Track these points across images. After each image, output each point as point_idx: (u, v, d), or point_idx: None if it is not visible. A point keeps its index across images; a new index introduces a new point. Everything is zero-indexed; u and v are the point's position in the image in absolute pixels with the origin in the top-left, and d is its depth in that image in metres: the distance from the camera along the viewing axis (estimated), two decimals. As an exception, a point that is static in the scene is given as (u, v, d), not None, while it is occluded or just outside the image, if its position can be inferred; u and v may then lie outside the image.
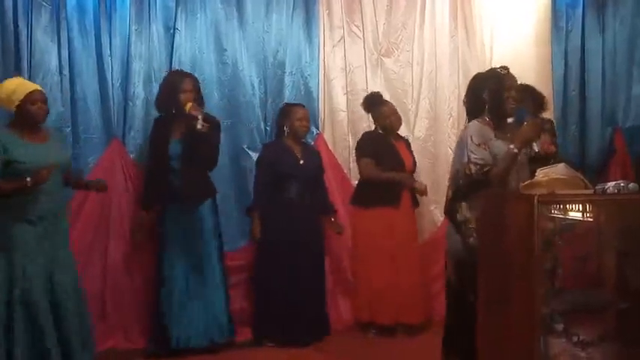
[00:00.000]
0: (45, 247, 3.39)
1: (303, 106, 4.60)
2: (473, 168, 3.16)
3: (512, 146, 3.09)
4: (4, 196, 3.29)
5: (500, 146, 3.16)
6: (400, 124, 4.77)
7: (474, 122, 3.27)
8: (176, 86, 4.07)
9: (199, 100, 4.14)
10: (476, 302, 2.92)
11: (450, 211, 3.33)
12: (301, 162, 4.45)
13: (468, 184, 3.20)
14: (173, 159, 4.07)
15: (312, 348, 4.32)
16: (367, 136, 4.73)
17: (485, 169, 3.15)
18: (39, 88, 3.52)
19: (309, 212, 4.45)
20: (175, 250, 4.08)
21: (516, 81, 3.31)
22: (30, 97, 3.39)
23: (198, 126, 3.88)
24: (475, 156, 3.16)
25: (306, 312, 4.36)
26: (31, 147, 3.38)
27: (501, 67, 3.37)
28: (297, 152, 4.47)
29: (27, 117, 3.40)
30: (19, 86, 3.41)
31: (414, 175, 4.79)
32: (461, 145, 3.28)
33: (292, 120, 4.47)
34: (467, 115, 3.46)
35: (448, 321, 3.42)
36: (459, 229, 3.25)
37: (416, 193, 4.74)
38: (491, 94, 3.26)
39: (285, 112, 4.52)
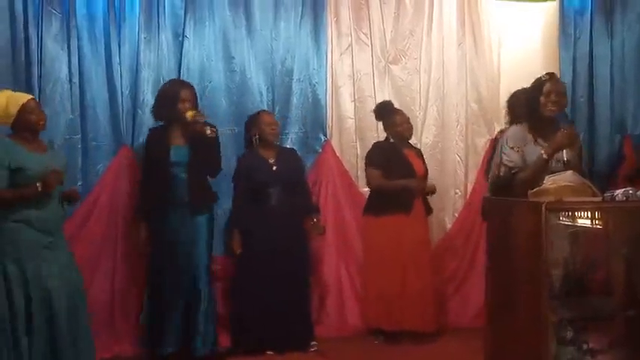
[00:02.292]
0: (49, 252, 3.36)
1: (270, 112, 4.59)
2: (503, 169, 3.18)
3: (542, 152, 3.09)
4: (8, 204, 3.26)
5: (535, 151, 3.15)
6: (411, 133, 4.75)
7: (514, 126, 3.33)
8: (175, 95, 4.09)
9: (196, 109, 4.14)
10: None
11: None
12: (274, 168, 4.38)
13: (498, 185, 3.20)
14: (175, 166, 4.07)
15: (316, 353, 4.32)
16: (376, 146, 4.71)
17: (513, 172, 3.15)
18: (31, 96, 3.49)
19: (291, 218, 4.36)
20: (174, 258, 4.04)
21: (559, 85, 3.30)
22: (26, 108, 3.35)
23: (208, 132, 3.96)
24: (507, 158, 3.18)
25: (288, 319, 4.29)
26: (35, 156, 3.36)
27: (546, 73, 3.38)
28: (270, 159, 4.40)
29: (28, 127, 3.36)
30: (10, 99, 3.35)
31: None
32: (497, 149, 3.32)
33: (260, 125, 4.41)
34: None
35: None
36: None
37: (426, 194, 4.72)
38: (527, 99, 3.32)
39: (253, 119, 4.47)
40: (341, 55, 5.02)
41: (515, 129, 3.30)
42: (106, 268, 4.30)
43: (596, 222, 2.67)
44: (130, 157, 4.41)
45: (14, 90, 3.57)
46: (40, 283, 3.29)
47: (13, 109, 3.32)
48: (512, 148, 3.19)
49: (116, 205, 4.34)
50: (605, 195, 2.73)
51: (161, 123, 4.23)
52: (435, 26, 5.17)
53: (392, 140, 4.69)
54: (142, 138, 4.43)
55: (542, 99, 3.22)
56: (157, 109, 4.19)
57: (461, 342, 4.34)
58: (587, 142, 5.33)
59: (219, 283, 4.43)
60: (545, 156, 3.07)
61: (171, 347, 4.02)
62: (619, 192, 2.68)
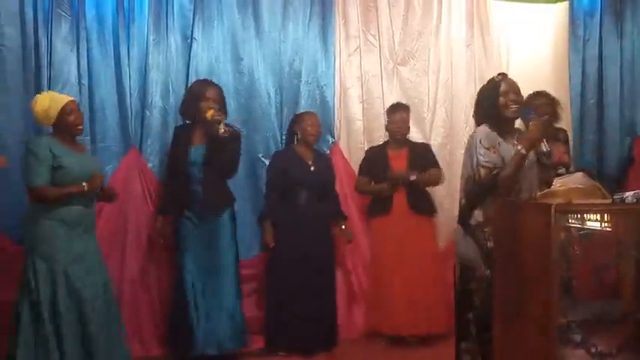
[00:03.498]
0: (82, 251, 3.48)
1: (315, 114, 4.63)
2: (482, 171, 3.17)
3: (519, 147, 3.11)
4: (53, 201, 3.40)
5: (509, 149, 3.17)
6: (403, 132, 4.73)
7: (482, 127, 3.29)
8: (199, 94, 4.13)
9: (223, 110, 4.17)
10: (482, 305, 3.08)
11: (463, 217, 3.33)
12: (312, 168, 4.45)
13: (479, 189, 3.20)
14: (193, 165, 4.10)
15: (323, 356, 4.32)
16: (367, 153, 4.81)
17: (494, 172, 3.15)
18: (71, 98, 3.63)
19: (319, 220, 4.43)
20: (193, 258, 4.08)
21: (514, 85, 3.30)
22: (65, 109, 3.51)
23: (221, 130, 3.92)
24: (484, 159, 3.17)
25: (314, 320, 4.33)
26: (75, 156, 3.52)
27: (498, 74, 3.39)
28: (307, 159, 4.48)
29: (68, 128, 3.53)
30: (52, 101, 3.52)
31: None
32: (469, 151, 3.28)
33: (304, 125, 4.49)
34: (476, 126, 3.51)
35: (457, 324, 3.43)
36: (473, 235, 3.25)
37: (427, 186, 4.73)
38: (486, 101, 3.32)
39: (297, 118, 4.57)
40: (349, 56, 5.02)
41: (486, 129, 3.27)
42: (114, 268, 4.30)
43: (606, 224, 2.65)
44: (138, 158, 4.42)
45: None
46: (68, 283, 3.38)
47: (54, 111, 3.50)
48: (487, 149, 3.18)
49: (125, 207, 4.35)
50: (615, 197, 2.72)
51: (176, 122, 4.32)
52: (444, 27, 5.18)
53: (388, 139, 4.76)
54: (150, 140, 4.45)
55: (501, 99, 3.24)
56: (182, 107, 4.26)
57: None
58: (597, 143, 5.32)
59: (246, 285, 4.47)
60: (523, 151, 3.09)
61: (195, 347, 4.04)
62: (629, 194, 2.66)
